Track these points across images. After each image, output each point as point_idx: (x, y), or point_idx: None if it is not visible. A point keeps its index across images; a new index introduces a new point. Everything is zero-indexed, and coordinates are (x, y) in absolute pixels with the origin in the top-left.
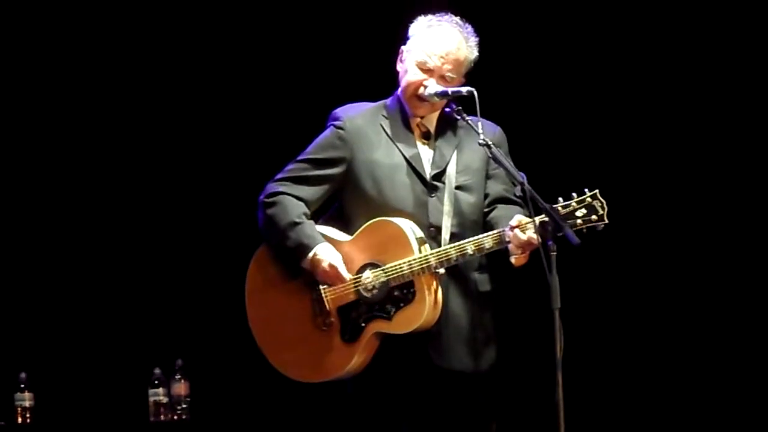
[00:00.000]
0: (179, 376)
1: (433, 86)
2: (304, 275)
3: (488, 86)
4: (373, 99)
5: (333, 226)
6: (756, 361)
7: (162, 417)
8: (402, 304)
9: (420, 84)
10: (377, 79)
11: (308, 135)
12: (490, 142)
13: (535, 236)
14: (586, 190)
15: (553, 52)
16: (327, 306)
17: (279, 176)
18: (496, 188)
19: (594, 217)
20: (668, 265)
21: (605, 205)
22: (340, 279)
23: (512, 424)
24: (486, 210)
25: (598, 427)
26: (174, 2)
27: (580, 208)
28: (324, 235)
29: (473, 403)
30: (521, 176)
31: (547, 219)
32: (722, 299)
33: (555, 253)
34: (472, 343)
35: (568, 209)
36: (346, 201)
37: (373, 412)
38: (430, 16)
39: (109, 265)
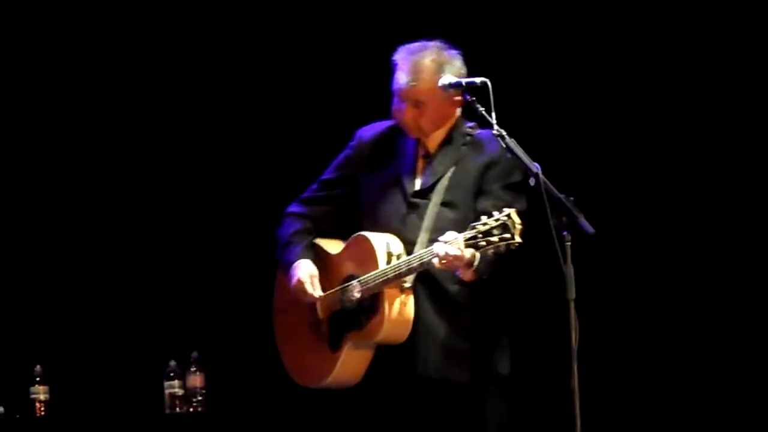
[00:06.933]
0: (195, 369)
1: (447, 77)
2: None
3: (501, 82)
4: None
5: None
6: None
7: (177, 409)
8: (370, 314)
9: (397, 113)
10: None
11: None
12: (504, 132)
13: (458, 252)
14: (496, 213)
15: (562, 52)
16: (319, 315)
17: (300, 196)
18: (483, 204)
19: (507, 235)
20: (682, 257)
21: (516, 225)
22: (307, 295)
23: (528, 415)
24: None
25: (614, 417)
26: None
27: (497, 227)
28: (320, 248)
29: (461, 413)
30: (536, 167)
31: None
32: (736, 291)
33: (570, 244)
34: (455, 353)
35: (486, 227)
36: (358, 215)
37: (361, 421)
38: (404, 49)
39: (125, 258)
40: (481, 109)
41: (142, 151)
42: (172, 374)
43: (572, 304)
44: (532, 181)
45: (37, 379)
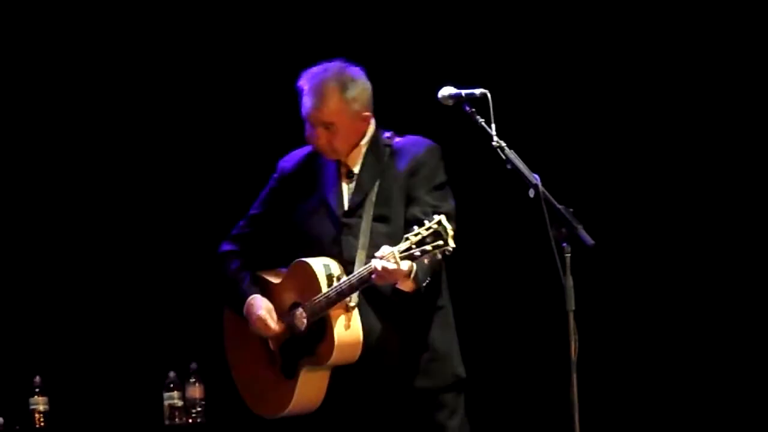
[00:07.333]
0: (194, 380)
1: (446, 89)
2: None
3: (500, 92)
4: None
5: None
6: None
7: (177, 420)
8: (320, 338)
9: (310, 139)
10: None
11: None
12: (503, 144)
13: (395, 266)
14: (431, 218)
15: (561, 62)
16: (271, 345)
17: (230, 233)
18: (411, 212)
19: (440, 242)
20: (682, 268)
21: (447, 231)
22: (268, 329)
23: (527, 425)
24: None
25: (613, 428)
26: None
27: (429, 235)
28: (263, 280)
29: (423, 420)
30: (535, 177)
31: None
32: (736, 302)
33: (569, 255)
34: (410, 361)
35: (418, 237)
36: (293, 243)
37: None
38: (306, 73)
39: (124, 269)
40: (481, 120)
41: (139, 164)
42: (171, 385)
43: (571, 316)
44: (531, 193)
45: (37, 390)
